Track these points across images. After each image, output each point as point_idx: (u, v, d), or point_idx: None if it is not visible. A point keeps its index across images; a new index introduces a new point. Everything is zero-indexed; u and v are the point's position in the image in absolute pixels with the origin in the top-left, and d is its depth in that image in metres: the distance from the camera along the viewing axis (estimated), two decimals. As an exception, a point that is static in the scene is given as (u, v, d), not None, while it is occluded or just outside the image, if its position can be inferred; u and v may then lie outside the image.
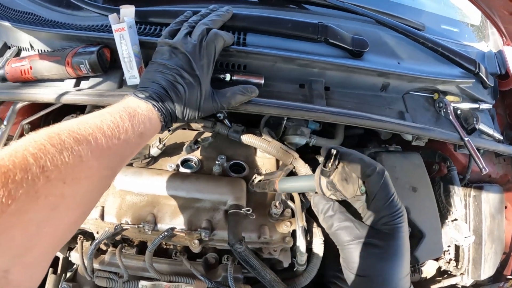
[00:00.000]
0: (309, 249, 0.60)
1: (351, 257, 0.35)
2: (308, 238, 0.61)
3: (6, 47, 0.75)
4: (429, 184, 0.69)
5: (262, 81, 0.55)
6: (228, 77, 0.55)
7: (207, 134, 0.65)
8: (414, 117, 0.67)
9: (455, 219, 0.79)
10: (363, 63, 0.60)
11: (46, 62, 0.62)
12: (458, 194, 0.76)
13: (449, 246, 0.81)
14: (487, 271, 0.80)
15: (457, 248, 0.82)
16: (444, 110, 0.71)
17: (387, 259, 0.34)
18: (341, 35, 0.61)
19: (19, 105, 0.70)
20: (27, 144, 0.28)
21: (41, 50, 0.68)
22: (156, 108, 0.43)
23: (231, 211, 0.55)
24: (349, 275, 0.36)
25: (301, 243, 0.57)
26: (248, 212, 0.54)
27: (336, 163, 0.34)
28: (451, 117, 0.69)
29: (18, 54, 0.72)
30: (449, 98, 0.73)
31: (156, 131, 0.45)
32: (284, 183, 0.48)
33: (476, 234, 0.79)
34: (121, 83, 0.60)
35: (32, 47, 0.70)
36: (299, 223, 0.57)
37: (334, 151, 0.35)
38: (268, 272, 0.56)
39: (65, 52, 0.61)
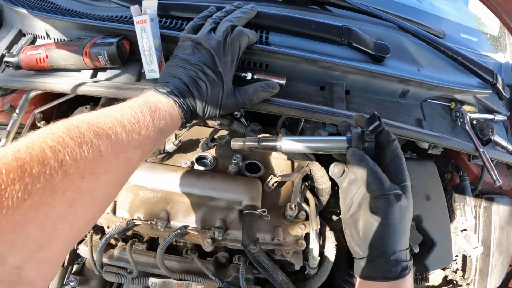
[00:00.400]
0: (321, 252, 0.60)
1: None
2: (321, 242, 0.60)
3: (21, 34, 0.74)
4: (442, 193, 0.69)
5: (284, 82, 0.55)
6: (249, 75, 0.54)
7: (223, 132, 0.65)
8: (432, 125, 0.66)
9: (465, 229, 0.78)
10: (385, 69, 0.60)
11: (63, 51, 0.61)
12: (470, 204, 0.75)
13: (456, 256, 0.80)
14: (493, 282, 0.80)
15: (464, 258, 0.81)
16: (461, 119, 0.70)
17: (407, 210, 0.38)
18: (364, 39, 0.60)
19: (32, 94, 0.69)
20: (45, 136, 0.27)
21: (57, 39, 0.67)
22: (177, 104, 0.43)
23: (246, 211, 0.55)
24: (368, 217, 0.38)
25: (314, 247, 0.57)
26: (264, 213, 0.54)
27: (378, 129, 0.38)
28: (467, 127, 0.69)
29: (33, 42, 0.71)
30: (465, 107, 0.73)
31: (176, 128, 0.44)
32: (293, 142, 0.43)
33: (484, 245, 0.79)
34: (140, 76, 0.59)
35: (48, 35, 0.69)
36: (314, 226, 0.57)
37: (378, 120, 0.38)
38: (279, 274, 0.56)
39: (83, 42, 0.61)
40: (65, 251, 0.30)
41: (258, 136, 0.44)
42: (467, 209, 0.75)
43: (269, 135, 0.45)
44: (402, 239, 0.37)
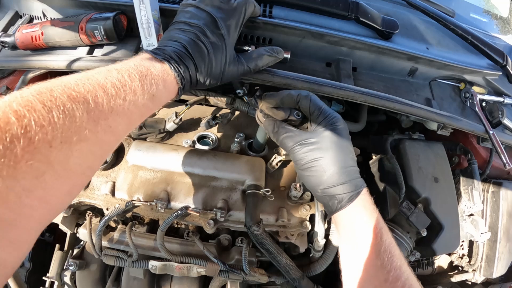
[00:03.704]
0: (326, 235, 0.58)
1: (296, 157, 0.42)
2: (326, 225, 0.58)
3: (18, 16, 0.72)
4: (451, 176, 0.67)
5: (289, 56, 0.52)
6: (252, 49, 0.52)
7: (226, 111, 0.62)
8: (441, 105, 0.64)
9: (472, 214, 0.77)
10: (394, 45, 0.57)
11: (58, 28, 0.59)
12: (478, 188, 0.73)
13: (463, 241, 0.79)
14: (499, 269, 0.78)
15: (470, 243, 0.80)
16: (470, 100, 0.68)
17: (324, 150, 0.40)
18: (372, 14, 0.58)
19: (30, 75, 0.67)
20: (12, 99, 0.24)
21: (54, 18, 0.65)
22: (172, 68, 0.38)
23: (250, 191, 0.53)
24: (299, 172, 0.43)
25: (320, 229, 0.55)
26: (268, 193, 0.52)
27: (257, 95, 0.46)
28: (477, 109, 0.67)
29: (30, 23, 0.69)
30: (475, 89, 0.70)
31: (171, 95, 0.40)
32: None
33: (491, 231, 0.77)
34: (138, 51, 0.57)
35: (44, 15, 0.67)
36: (319, 207, 0.55)
37: (258, 93, 0.46)
38: (284, 257, 0.54)
39: (79, 17, 0.58)
40: (37, 228, 0.27)
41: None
42: (475, 194, 0.73)
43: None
44: None
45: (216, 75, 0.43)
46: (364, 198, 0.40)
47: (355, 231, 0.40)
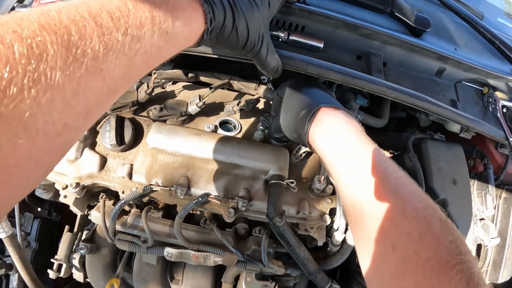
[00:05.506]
0: (345, 229, 0.57)
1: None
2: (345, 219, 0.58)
3: (33, -16, 0.68)
4: (468, 179, 0.67)
5: (322, 45, 0.51)
6: (285, 35, 0.50)
7: (249, 97, 0.61)
8: (465, 107, 0.64)
9: (483, 219, 0.77)
10: (426, 44, 0.56)
11: (80, 1, 0.57)
12: (491, 193, 0.74)
13: (472, 245, 0.79)
14: (505, 275, 0.79)
15: (478, 247, 0.80)
16: (493, 105, 0.68)
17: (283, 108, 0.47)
18: (406, 10, 0.57)
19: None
20: None
21: (74, -10, 0.62)
22: (204, 1, 0.31)
23: (273, 181, 0.52)
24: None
25: (341, 223, 0.54)
26: (292, 184, 0.51)
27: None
28: (499, 114, 0.67)
29: (46, -7, 0.66)
30: (497, 94, 0.70)
31: (192, 37, 0.32)
32: None
33: (500, 237, 0.78)
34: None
35: (63, -14, 0.64)
36: (340, 201, 0.54)
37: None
38: (302, 250, 0.53)
39: (104, -9, 0.56)
40: None
41: None
42: (489, 198, 0.74)
43: None
44: None
45: (249, 37, 0.37)
46: (324, 113, 0.39)
47: (327, 151, 0.38)
